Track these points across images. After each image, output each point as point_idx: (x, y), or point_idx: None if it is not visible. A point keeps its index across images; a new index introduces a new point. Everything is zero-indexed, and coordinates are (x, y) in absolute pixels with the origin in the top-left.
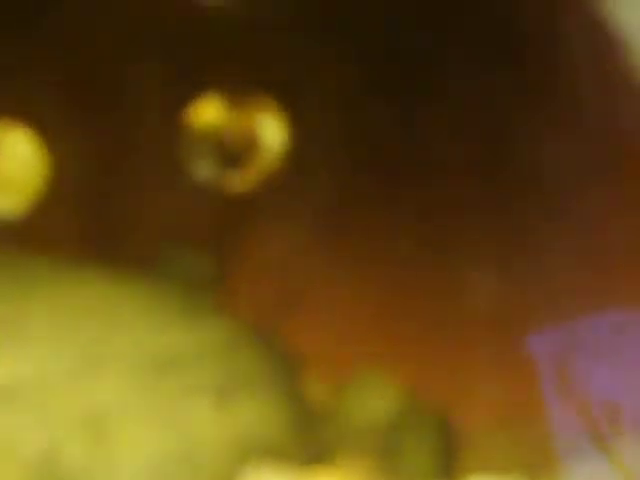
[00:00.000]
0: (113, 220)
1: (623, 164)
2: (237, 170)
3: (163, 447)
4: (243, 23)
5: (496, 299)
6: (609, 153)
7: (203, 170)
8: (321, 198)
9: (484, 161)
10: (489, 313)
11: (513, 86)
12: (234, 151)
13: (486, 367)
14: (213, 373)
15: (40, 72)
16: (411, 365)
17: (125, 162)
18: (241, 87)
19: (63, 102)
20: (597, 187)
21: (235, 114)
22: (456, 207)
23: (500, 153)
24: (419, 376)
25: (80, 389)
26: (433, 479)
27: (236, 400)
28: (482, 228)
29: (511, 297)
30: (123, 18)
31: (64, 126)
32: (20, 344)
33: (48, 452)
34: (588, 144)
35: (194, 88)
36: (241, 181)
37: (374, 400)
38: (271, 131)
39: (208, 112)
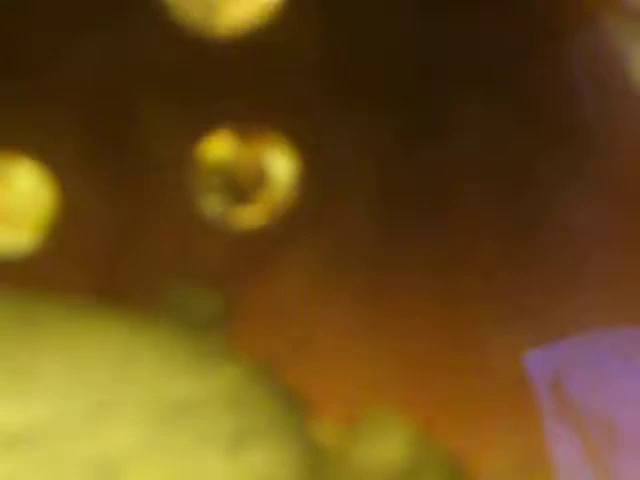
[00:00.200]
0: (121, 259)
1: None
2: (247, 205)
3: None
4: (253, 61)
5: (514, 353)
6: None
7: (213, 205)
8: (335, 237)
9: (512, 210)
10: (505, 360)
11: (534, 129)
12: (244, 186)
13: (501, 413)
14: (224, 420)
15: (51, 106)
16: (424, 410)
17: (135, 197)
18: (250, 123)
19: (74, 137)
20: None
21: (245, 150)
22: (478, 258)
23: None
24: (432, 421)
25: (92, 435)
26: None
27: (247, 447)
28: (507, 279)
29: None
30: (135, 55)
31: (74, 161)
32: (32, 390)
33: None
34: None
35: (204, 124)
36: (251, 216)
37: (386, 444)
38: (281, 167)
39: (218, 148)
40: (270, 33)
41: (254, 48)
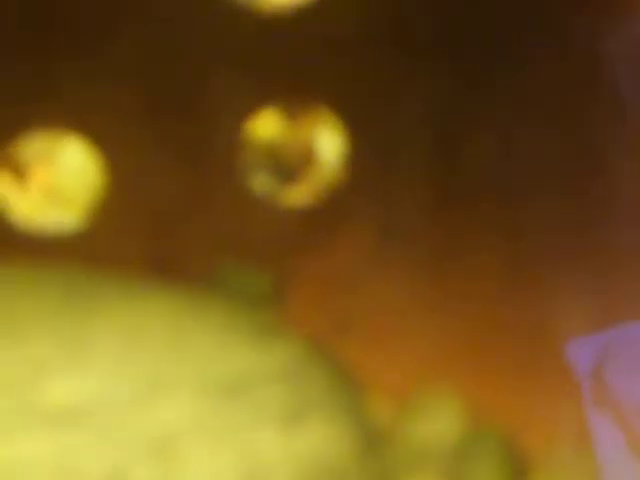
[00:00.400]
0: (174, 236)
1: None
2: (296, 184)
3: (229, 471)
4: (301, 35)
5: (564, 323)
6: None
7: (262, 184)
8: (385, 214)
9: (566, 171)
10: (555, 339)
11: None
12: (293, 165)
13: (551, 391)
14: (280, 397)
15: (103, 84)
16: (478, 386)
17: (186, 174)
18: (299, 101)
19: (125, 115)
20: None
21: (293, 128)
22: (537, 231)
23: (582, 172)
24: (485, 397)
25: (146, 410)
26: None
27: (302, 423)
28: (554, 259)
29: (581, 322)
30: (186, 33)
31: (126, 139)
32: (83, 365)
33: (113, 474)
34: None
35: (253, 102)
36: (300, 195)
37: (440, 421)
38: (330, 145)
39: (267, 126)
40: (316, 7)
41: (300, 24)
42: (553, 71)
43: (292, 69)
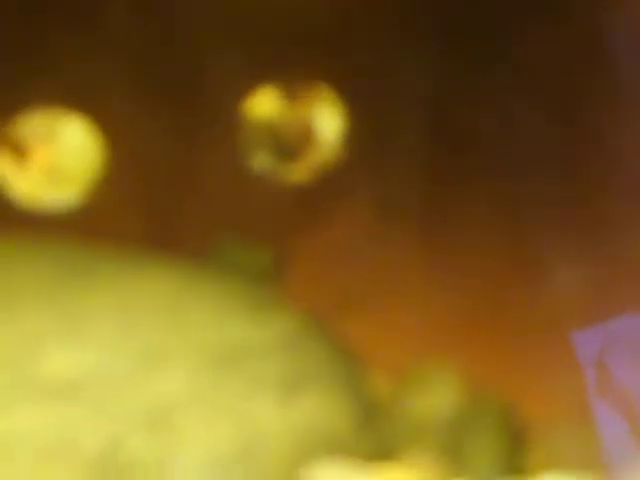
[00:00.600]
0: (172, 212)
1: None
2: (295, 161)
3: (226, 441)
4: (300, 15)
5: (568, 297)
6: None
7: (261, 162)
8: (383, 189)
9: (564, 146)
10: (558, 307)
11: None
12: (291, 142)
13: (556, 364)
14: (277, 368)
15: (100, 62)
16: (476, 360)
17: (183, 153)
18: (298, 79)
19: (124, 91)
20: None
21: (292, 105)
22: (534, 203)
23: (583, 143)
24: (484, 371)
25: (144, 383)
26: (497, 474)
27: (300, 395)
28: (558, 224)
29: (579, 296)
30: (183, 14)
31: (124, 116)
32: (81, 337)
33: (110, 445)
34: None
35: (253, 81)
36: (299, 172)
37: (438, 395)
38: (328, 122)
39: (265, 104)
40: None
41: (300, 1)
42: (552, 50)
43: (291, 47)
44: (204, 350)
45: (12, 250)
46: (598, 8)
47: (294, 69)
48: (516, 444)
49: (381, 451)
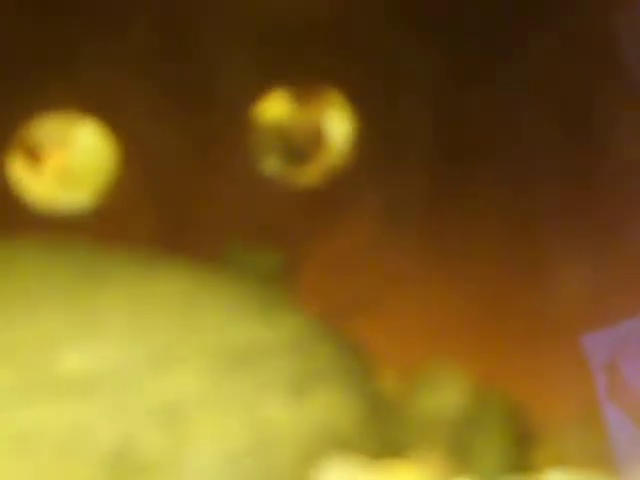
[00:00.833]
0: (183, 214)
1: None
2: (305, 165)
3: (238, 440)
4: (310, 17)
5: (575, 294)
6: None
7: (271, 165)
8: (394, 191)
9: (570, 151)
10: (567, 308)
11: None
12: (301, 146)
13: (564, 362)
14: (288, 368)
15: (114, 67)
16: (483, 361)
17: (195, 156)
18: (308, 82)
19: (136, 95)
20: None
21: (302, 109)
22: (541, 210)
23: (584, 142)
24: (491, 371)
25: (156, 381)
26: (504, 473)
27: (310, 394)
28: (565, 224)
29: (590, 293)
30: (193, 11)
31: (136, 119)
32: (96, 336)
33: (123, 442)
34: None
35: (262, 84)
36: (309, 175)
37: (446, 393)
38: (338, 125)
39: (276, 107)
40: None
41: (310, 6)
42: (561, 54)
43: (301, 51)
44: (216, 350)
45: (27, 252)
46: (604, 11)
47: (304, 73)
48: (522, 443)
49: (390, 449)
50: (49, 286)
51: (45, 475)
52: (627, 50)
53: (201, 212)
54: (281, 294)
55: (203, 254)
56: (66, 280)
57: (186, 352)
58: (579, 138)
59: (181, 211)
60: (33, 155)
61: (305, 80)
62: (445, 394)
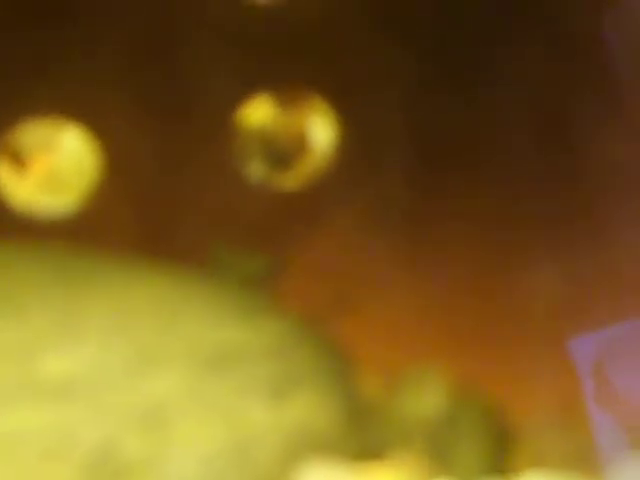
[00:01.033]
0: (166, 218)
1: None
2: (288, 169)
3: (218, 443)
4: (293, 22)
5: (553, 297)
6: None
7: (255, 169)
8: (374, 195)
9: (552, 153)
10: (546, 310)
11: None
12: (285, 150)
13: (542, 364)
14: (268, 370)
15: (96, 70)
16: (466, 360)
17: (178, 161)
18: (292, 87)
19: (120, 100)
20: None
21: (286, 114)
22: (523, 208)
23: (563, 144)
24: (473, 371)
25: (137, 384)
26: (483, 475)
27: (290, 397)
28: (543, 227)
29: (569, 295)
30: (175, 17)
31: (120, 124)
32: (77, 339)
33: (104, 445)
34: None
35: (245, 89)
36: (292, 180)
37: (427, 396)
38: (322, 130)
39: (259, 112)
40: None
41: (293, 10)
42: (543, 58)
43: (284, 56)
44: (197, 352)
45: (11, 255)
46: (587, 12)
47: (287, 78)
48: (501, 445)
49: (369, 452)
50: (30, 289)
51: (26, 477)
52: (610, 51)
53: (184, 216)
54: (263, 297)
55: (186, 258)
56: (48, 284)
57: (167, 355)
58: (562, 140)
59: (164, 215)
60: (18, 160)
61: (288, 85)
62: (424, 396)
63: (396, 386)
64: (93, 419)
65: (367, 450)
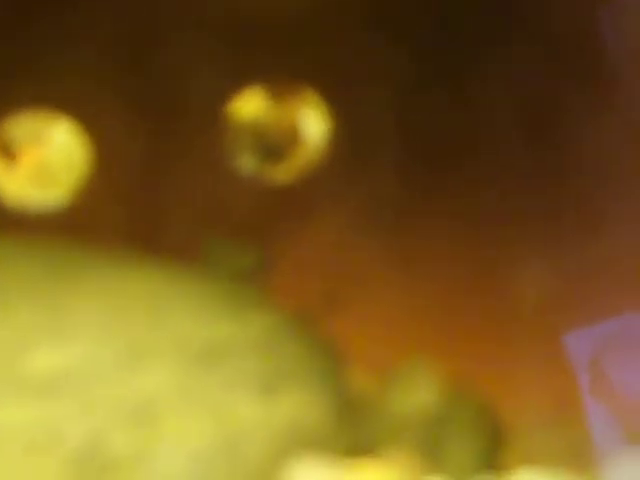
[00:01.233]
0: (157, 212)
1: None
2: (280, 162)
3: (207, 438)
4: (286, 14)
5: (544, 293)
6: None
7: (246, 162)
8: (366, 191)
9: (541, 151)
10: (538, 308)
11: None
12: (276, 143)
13: (533, 362)
14: (258, 365)
15: (86, 63)
16: (457, 358)
17: (169, 154)
18: (284, 79)
19: (110, 94)
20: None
21: (278, 107)
22: (513, 205)
23: (555, 140)
24: (465, 369)
25: (126, 379)
26: (475, 472)
27: (280, 392)
28: (533, 224)
29: (559, 291)
30: (169, 11)
31: (110, 118)
32: (66, 334)
33: (92, 440)
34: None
35: (237, 80)
36: (284, 173)
37: (418, 392)
38: (314, 123)
39: (251, 105)
40: None
41: (284, 2)
42: (531, 57)
43: (275, 48)
44: (187, 347)
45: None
46: (574, 11)
47: (279, 71)
48: (493, 442)
49: (360, 448)
50: (19, 284)
51: (13, 472)
52: (599, 48)
53: (175, 211)
54: (254, 293)
55: (177, 250)
56: (37, 277)
57: (156, 350)
58: (550, 137)
59: (155, 209)
60: (8, 153)
61: (280, 78)
62: (416, 393)
63: (387, 382)
64: (81, 414)
65: (358, 447)
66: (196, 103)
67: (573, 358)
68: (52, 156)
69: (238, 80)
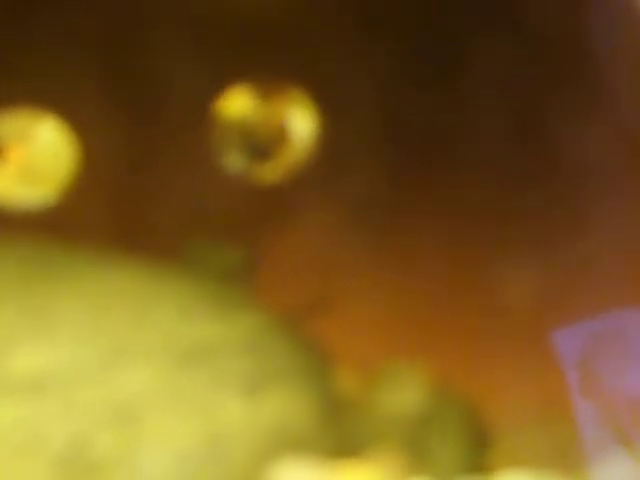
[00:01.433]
0: (143, 211)
1: None
2: (267, 161)
3: (192, 438)
4: (273, 13)
5: (531, 291)
6: None
7: (233, 161)
8: (353, 190)
9: (525, 149)
10: (526, 307)
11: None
12: (264, 142)
13: (521, 361)
14: (243, 366)
15: (71, 61)
16: (443, 359)
17: (156, 153)
18: (271, 78)
19: (95, 92)
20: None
21: (265, 105)
22: (498, 204)
23: (537, 135)
24: (450, 370)
25: (109, 380)
26: (461, 473)
27: (265, 392)
28: (520, 222)
29: (547, 289)
30: (155, 8)
31: (96, 116)
32: (49, 334)
33: (76, 441)
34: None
35: (224, 79)
36: (271, 172)
37: (404, 393)
38: (301, 122)
39: (238, 103)
40: None
41: (272, 2)
42: (516, 57)
43: (262, 47)
44: (171, 348)
45: None
46: (560, 14)
47: (266, 69)
48: (479, 443)
49: (346, 449)
50: (3, 282)
51: None
52: (586, 47)
53: (161, 208)
54: (239, 292)
55: (162, 250)
56: (21, 276)
57: (140, 350)
58: (538, 135)
59: (140, 208)
60: None
61: (267, 76)
62: (402, 393)
63: (373, 382)
64: (65, 415)
65: (343, 447)
66: (183, 102)
67: (561, 356)
68: (38, 154)
69: (225, 79)
